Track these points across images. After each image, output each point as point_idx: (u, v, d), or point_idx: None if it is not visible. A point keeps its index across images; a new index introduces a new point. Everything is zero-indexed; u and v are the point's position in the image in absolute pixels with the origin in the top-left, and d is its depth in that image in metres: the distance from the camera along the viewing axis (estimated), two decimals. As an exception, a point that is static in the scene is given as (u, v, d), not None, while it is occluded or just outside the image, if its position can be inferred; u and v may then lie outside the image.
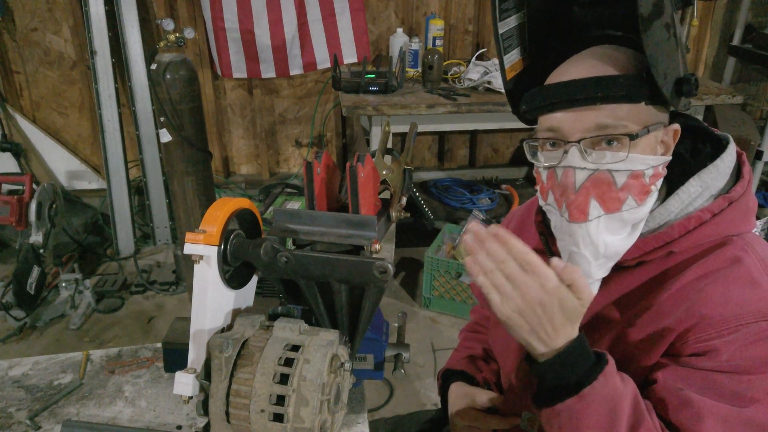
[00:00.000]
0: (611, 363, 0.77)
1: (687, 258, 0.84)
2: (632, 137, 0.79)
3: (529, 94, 0.86)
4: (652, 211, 0.85)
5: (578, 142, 0.81)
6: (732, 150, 0.87)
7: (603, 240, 0.82)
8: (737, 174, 0.87)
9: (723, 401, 0.76)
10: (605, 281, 0.88)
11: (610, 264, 0.86)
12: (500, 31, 0.87)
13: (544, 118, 0.85)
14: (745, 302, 0.78)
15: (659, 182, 0.84)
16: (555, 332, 0.74)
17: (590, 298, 0.74)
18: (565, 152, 0.82)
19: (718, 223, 0.83)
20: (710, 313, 0.78)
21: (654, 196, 0.84)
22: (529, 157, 0.88)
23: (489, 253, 0.73)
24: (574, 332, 0.76)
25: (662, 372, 0.81)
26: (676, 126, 0.85)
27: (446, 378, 1.18)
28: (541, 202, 0.90)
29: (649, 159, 0.81)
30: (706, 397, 0.77)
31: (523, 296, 0.72)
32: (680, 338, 0.80)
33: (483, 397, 1.06)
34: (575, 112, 0.80)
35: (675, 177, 0.86)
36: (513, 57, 0.91)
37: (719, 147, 0.88)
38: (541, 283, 0.72)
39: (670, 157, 0.85)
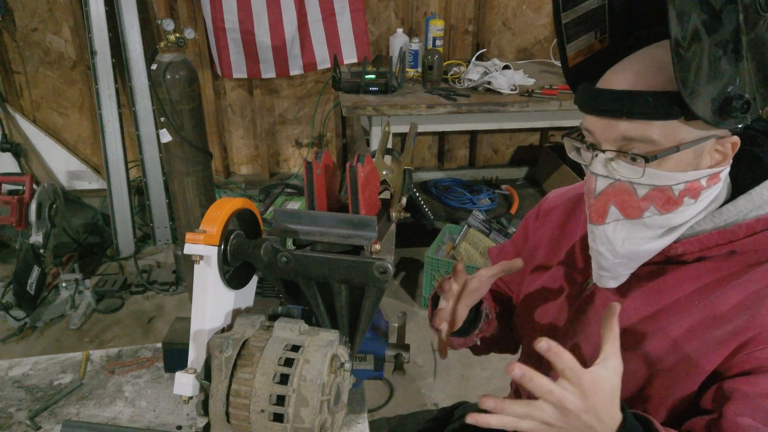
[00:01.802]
0: (657, 426, 0.76)
1: (750, 263, 0.82)
2: (647, 159, 0.77)
3: (580, 89, 0.86)
4: (720, 207, 0.84)
5: (603, 151, 0.81)
6: None
7: (621, 240, 0.83)
8: None
9: None
10: (661, 278, 0.87)
11: (636, 264, 0.86)
12: (564, 21, 0.87)
13: (584, 117, 0.85)
14: None
15: (708, 191, 0.81)
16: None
17: (594, 382, 0.72)
18: (594, 156, 0.82)
19: None
20: None
21: (697, 206, 0.82)
22: (567, 151, 0.90)
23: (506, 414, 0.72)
24: (615, 415, 0.73)
25: (727, 406, 0.78)
26: (735, 139, 0.81)
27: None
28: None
29: (680, 175, 0.79)
30: None
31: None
32: (740, 349, 0.79)
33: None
34: (606, 120, 0.80)
35: (747, 176, 0.84)
36: (581, 43, 0.89)
37: None
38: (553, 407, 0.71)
39: (724, 168, 0.82)
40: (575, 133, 0.88)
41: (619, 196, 0.82)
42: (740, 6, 0.71)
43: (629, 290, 0.91)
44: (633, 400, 0.89)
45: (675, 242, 0.85)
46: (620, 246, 0.84)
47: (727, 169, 0.83)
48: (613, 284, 0.89)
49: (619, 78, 0.80)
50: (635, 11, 0.86)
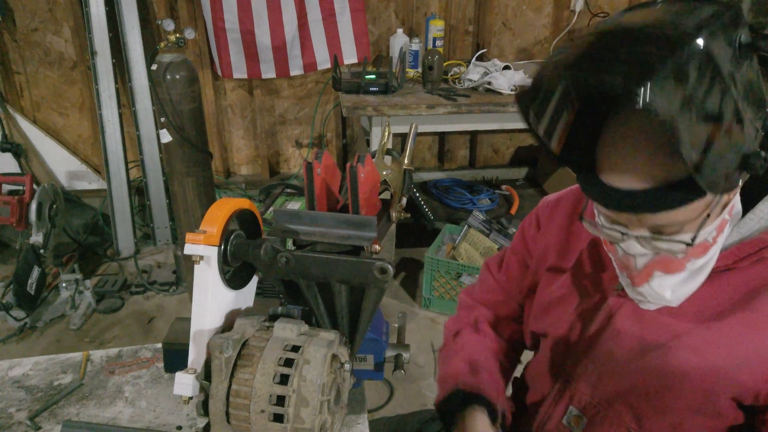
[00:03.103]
0: None
1: None
2: (689, 244, 0.76)
3: (591, 185, 0.78)
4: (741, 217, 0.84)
5: (635, 238, 0.79)
6: None
7: (671, 291, 0.82)
8: None
9: None
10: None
11: (685, 290, 0.84)
12: (540, 134, 0.77)
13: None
14: None
15: (731, 218, 0.82)
16: None
17: None
18: (624, 235, 0.80)
19: None
20: None
21: (726, 230, 0.82)
22: (586, 227, 0.86)
23: None
24: None
25: None
26: (735, 192, 0.80)
27: (459, 398, 1.08)
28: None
29: (711, 228, 0.78)
30: None
31: None
32: None
33: None
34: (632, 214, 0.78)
35: (764, 181, 0.83)
36: (559, 130, 0.79)
37: None
38: None
39: (736, 196, 0.81)
40: (595, 222, 0.85)
41: (663, 263, 0.81)
42: (722, 77, 0.65)
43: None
44: (662, 411, 0.89)
45: None
46: (671, 295, 0.83)
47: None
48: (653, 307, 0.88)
49: (629, 177, 0.74)
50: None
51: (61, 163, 3.48)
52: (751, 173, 0.72)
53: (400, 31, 3.19)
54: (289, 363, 0.76)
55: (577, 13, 3.45)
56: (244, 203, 0.86)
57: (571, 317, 1.02)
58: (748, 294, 0.83)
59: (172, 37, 2.36)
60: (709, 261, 0.82)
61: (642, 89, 0.59)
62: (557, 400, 1.04)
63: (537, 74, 0.73)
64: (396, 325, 1.16)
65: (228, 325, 0.85)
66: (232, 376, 0.76)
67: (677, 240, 0.77)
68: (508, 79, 2.80)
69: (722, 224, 0.80)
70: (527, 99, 0.73)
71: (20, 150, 3.35)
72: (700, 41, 0.62)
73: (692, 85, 0.62)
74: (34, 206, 2.68)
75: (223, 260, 0.81)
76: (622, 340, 0.93)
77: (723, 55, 0.64)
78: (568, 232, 1.07)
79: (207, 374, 0.79)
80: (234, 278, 0.86)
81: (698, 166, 0.64)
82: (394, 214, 0.92)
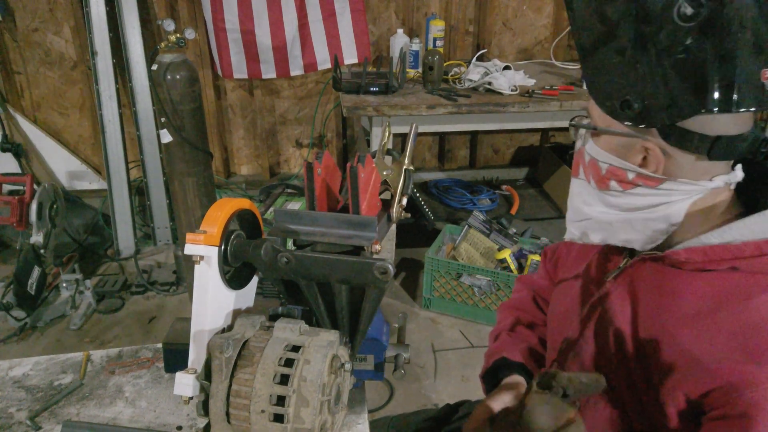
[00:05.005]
0: None
1: (752, 289, 0.80)
2: (586, 128, 0.90)
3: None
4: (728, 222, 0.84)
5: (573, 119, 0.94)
6: None
7: (577, 194, 0.96)
8: None
9: None
10: (668, 283, 0.87)
11: (578, 217, 0.96)
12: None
13: None
14: None
15: (644, 192, 0.86)
16: None
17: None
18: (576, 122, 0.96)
19: None
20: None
21: (628, 200, 0.88)
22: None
23: None
24: None
25: None
26: (650, 145, 0.83)
27: (501, 367, 1.14)
28: None
29: (606, 155, 0.88)
30: None
31: None
32: (726, 388, 0.77)
33: None
34: None
35: (765, 200, 0.84)
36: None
37: None
38: None
39: (658, 176, 0.84)
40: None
41: (580, 158, 0.94)
42: (640, 17, 0.77)
43: (637, 296, 0.91)
44: (645, 404, 0.89)
45: (679, 248, 0.86)
46: (572, 199, 0.97)
47: (687, 187, 0.84)
48: (568, 237, 1.00)
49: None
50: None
51: (61, 163, 3.48)
52: (619, 119, 0.83)
53: (400, 31, 3.19)
54: (289, 363, 0.76)
55: (577, 14, 3.45)
56: (244, 203, 0.86)
57: (569, 313, 1.05)
58: (716, 300, 0.82)
59: (173, 37, 2.36)
60: (600, 199, 0.91)
61: None
62: None
63: None
64: (396, 326, 1.16)
65: (228, 326, 0.85)
66: (232, 376, 0.76)
67: (584, 125, 0.90)
68: (509, 80, 2.79)
69: (619, 175, 0.87)
70: None
71: (20, 150, 3.35)
72: None
73: (611, 15, 0.79)
74: (34, 206, 2.68)
75: (224, 260, 0.81)
76: (605, 329, 0.94)
77: (657, 15, 0.76)
78: (583, 250, 1.11)
79: (207, 374, 0.79)
80: (234, 278, 0.86)
81: (583, 54, 0.83)
82: (394, 215, 0.92)
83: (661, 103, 0.78)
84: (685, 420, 0.83)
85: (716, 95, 0.75)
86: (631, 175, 0.86)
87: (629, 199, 0.88)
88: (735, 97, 0.75)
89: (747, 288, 0.80)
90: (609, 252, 1.01)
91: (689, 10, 0.74)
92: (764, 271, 0.80)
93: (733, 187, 0.86)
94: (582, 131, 0.92)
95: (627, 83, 0.80)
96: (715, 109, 0.76)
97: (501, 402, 1.01)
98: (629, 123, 0.82)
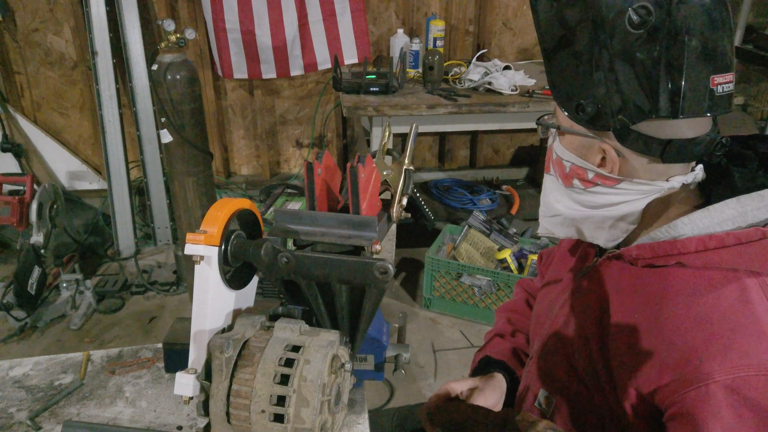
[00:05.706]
0: None
1: (697, 284, 0.81)
2: (550, 126, 0.93)
3: None
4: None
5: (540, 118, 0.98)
6: None
7: (549, 189, 0.98)
8: None
9: None
10: (626, 276, 0.89)
11: (549, 213, 0.97)
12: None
13: None
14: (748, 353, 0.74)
15: (604, 191, 0.88)
16: None
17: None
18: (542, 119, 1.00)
19: (740, 253, 0.79)
20: (709, 368, 0.75)
21: (588, 198, 0.90)
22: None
23: None
24: None
25: None
26: (607, 147, 0.85)
27: (485, 365, 1.19)
28: None
29: (569, 154, 0.91)
30: None
31: None
32: (676, 384, 0.78)
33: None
34: None
35: (719, 193, 0.85)
36: None
37: None
38: None
39: (600, 171, 0.86)
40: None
41: (550, 154, 0.96)
42: (595, 23, 0.79)
43: (604, 294, 0.93)
44: (612, 404, 0.89)
45: (630, 244, 0.89)
46: (545, 195, 0.98)
47: (643, 186, 0.86)
48: (541, 232, 1.02)
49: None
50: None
51: (61, 163, 3.48)
52: (577, 121, 0.85)
53: (400, 31, 3.19)
54: (289, 363, 0.76)
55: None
56: (244, 203, 0.86)
57: (545, 304, 1.09)
58: (662, 293, 0.84)
59: (173, 38, 2.36)
60: (566, 195, 0.93)
61: None
62: (531, 380, 1.08)
63: None
64: (396, 325, 1.16)
65: (229, 326, 0.85)
66: (232, 376, 0.76)
67: (550, 124, 0.93)
68: (509, 80, 2.80)
69: (580, 174, 0.89)
70: None
71: (21, 150, 3.35)
72: None
73: (570, 20, 0.82)
74: (34, 206, 2.68)
75: (224, 260, 0.81)
76: (574, 327, 0.96)
77: (611, 20, 0.78)
78: (572, 250, 1.12)
79: (207, 374, 0.79)
80: (234, 278, 0.86)
81: (546, 57, 0.86)
82: (394, 215, 0.92)
83: (613, 107, 0.81)
84: (650, 420, 0.83)
85: (664, 101, 0.78)
86: (590, 174, 0.88)
87: (590, 197, 0.90)
88: (682, 103, 0.77)
89: (692, 284, 0.82)
90: (587, 252, 1.03)
91: (637, 18, 0.76)
92: (709, 267, 0.81)
93: (692, 187, 0.87)
94: (552, 129, 0.95)
95: (583, 86, 0.83)
96: (663, 114, 0.78)
97: (462, 385, 1.08)
98: (585, 125, 0.85)
